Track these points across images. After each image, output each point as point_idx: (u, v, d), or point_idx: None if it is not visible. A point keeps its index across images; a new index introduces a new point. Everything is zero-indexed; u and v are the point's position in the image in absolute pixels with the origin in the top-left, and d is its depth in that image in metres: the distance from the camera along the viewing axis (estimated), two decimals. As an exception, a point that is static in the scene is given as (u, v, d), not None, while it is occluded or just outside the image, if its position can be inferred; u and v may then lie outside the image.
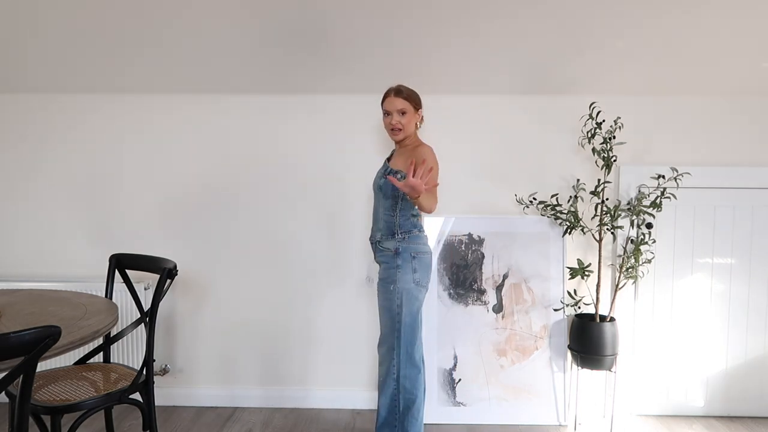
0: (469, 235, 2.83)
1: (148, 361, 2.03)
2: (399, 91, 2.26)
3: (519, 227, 2.83)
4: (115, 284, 2.30)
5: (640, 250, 2.66)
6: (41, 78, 2.81)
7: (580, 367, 2.69)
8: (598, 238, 2.68)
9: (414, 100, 2.27)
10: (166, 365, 2.95)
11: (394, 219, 2.28)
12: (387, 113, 2.27)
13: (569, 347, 2.73)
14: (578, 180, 2.84)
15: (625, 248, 2.69)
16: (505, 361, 2.80)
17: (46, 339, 1.28)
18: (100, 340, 2.23)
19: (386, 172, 2.30)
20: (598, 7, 2.33)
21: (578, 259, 2.75)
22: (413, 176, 1.99)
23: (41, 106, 2.92)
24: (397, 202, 2.28)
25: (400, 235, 2.27)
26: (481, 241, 2.83)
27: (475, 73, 2.72)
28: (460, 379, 2.80)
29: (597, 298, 2.68)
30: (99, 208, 2.95)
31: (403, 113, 2.25)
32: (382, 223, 2.31)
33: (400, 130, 2.26)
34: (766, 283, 2.83)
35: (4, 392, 1.44)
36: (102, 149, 2.93)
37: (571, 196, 2.78)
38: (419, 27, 2.45)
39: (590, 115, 2.62)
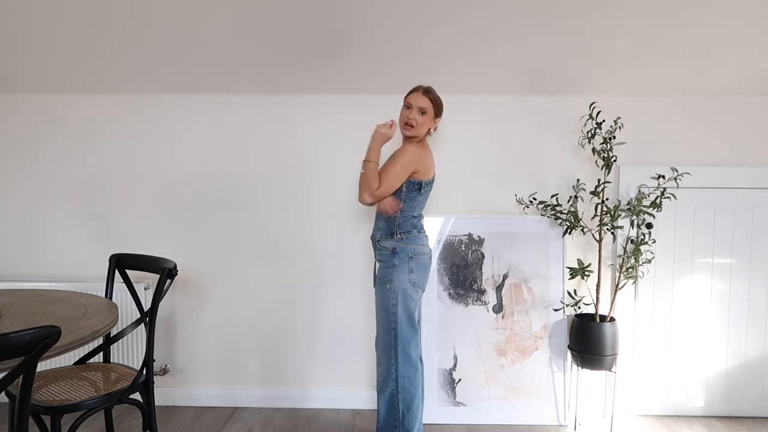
0: (469, 235, 2.83)
1: (148, 361, 2.03)
2: (428, 91, 2.29)
3: (519, 227, 2.83)
4: (115, 284, 2.30)
5: (640, 250, 2.66)
6: (41, 78, 2.81)
7: (580, 367, 2.69)
8: (598, 238, 2.68)
9: (438, 106, 2.31)
10: (166, 365, 2.95)
11: (395, 219, 2.29)
12: (408, 106, 2.28)
13: (569, 347, 2.73)
14: (578, 180, 2.84)
15: (625, 248, 2.69)
16: (505, 361, 2.80)
17: (46, 339, 1.28)
18: (100, 340, 2.23)
19: None
20: (599, 8, 2.33)
21: (578, 259, 2.75)
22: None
23: (41, 106, 2.92)
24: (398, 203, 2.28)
25: (398, 235, 2.28)
26: (481, 241, 2.83)
27: (475, 73, 2.72)
28: (460, 379, 2.80)
29: (597, 298, 2.68)
30: (99, 208, 2.95)
31: (423, 113, 2.27)
32: (382, 222, 2.32)
33: (413, 127, 2.26)
34: (766, 283, 2.83)
35: (4, 392, 1.44)
36: (102, 149, 2.93)
37: (571, 196, 2.78)
38: (419, 27, 2.45)
39: (590, 115, 2.62)
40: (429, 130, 2.32)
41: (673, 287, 2.85)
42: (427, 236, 2.37)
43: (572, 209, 2.71)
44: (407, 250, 2.27)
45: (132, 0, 2.33)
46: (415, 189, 2.28)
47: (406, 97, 2.30)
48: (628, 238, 2.73)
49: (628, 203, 2.74)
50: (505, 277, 2.82)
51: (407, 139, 2.31)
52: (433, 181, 2.35)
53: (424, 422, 2.72)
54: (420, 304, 2.49)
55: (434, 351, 2.80)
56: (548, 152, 2.86)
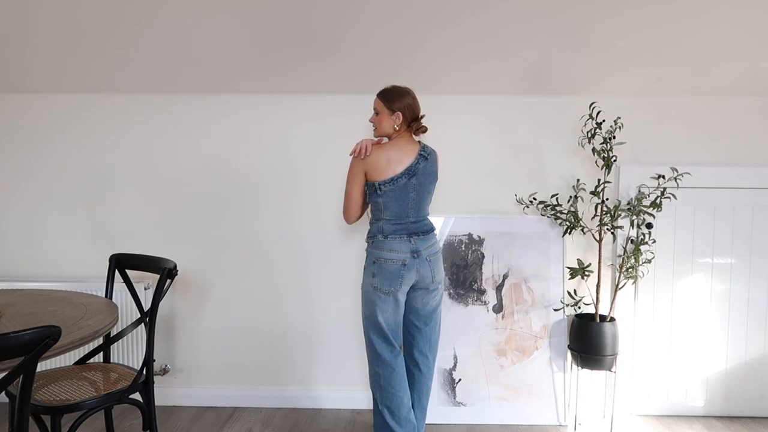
0: (469, 235, 2.83)
1: (148, 361, 2.03)
2: (380, 91, 2.30)
3: (519, 227, 2.83)
4: (115, 284, 2.31)
5: (640, 250, 2.66)
6: (41, 78, 2.81)
7: (580, 367, 2.69)
8: (598, 238, 2.68)
9: (390, 101, 2.25)
10: (166, 365, 2.95)
11: (370, 223, 2.35)
12: None
13: (569, 347, 2.74)
14: (578, 180, 2.84)
15: (625, 248, 2.69)
16: (505, 361, 2.80)
17: (46, 339, 1.28)
18: (100, 340, 2.24)
19: None
20: (598, 7, 2.33)
21: (578, 259, 2.75)
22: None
23: (41, 106, 2.92)
24: (369, 208, 2.34)
25: (367, 240, 2.34)
26: (481, 241, 2.83)
27: (475, 73, 2.72)
28: (460, 379, 2.80)
29: (597, 298, 2.68)
30: (99, 208, 2.95)
31: (376, 113, 2.30)
32: None
33: (375, 128, 2.33)
34: (766, 283, 2.83)
35: (4, 392, 1.44)
36: (102, 149, 2.93)
37: (571, 196, 2.78)
38: (419, 27, 2.45)
39: (590, 115, 2.62)
40: (393, 126, 2.27)
41: (673, 287, 2.85)
42: (407, 242, 2.25)
43: (572, 209, 2.71)
44: (372, 254, 2.29)
45: (130, 1, 2.33)
46: (372, 191, 2.26)
47: None
48: (628, 238, 2.73)
49: (628, 203, 2.74)
50: (505, 277, 2.82)
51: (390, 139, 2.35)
52: (394, 180, 2.22)
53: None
54: (424, 309, 2.39)
55: (434, 351, 2.79)
56: (548, 152, 2.86)
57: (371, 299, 2.27)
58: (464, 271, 2.82)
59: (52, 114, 2.92)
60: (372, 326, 2.29)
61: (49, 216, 2.96)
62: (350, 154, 2.29)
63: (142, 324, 2.10)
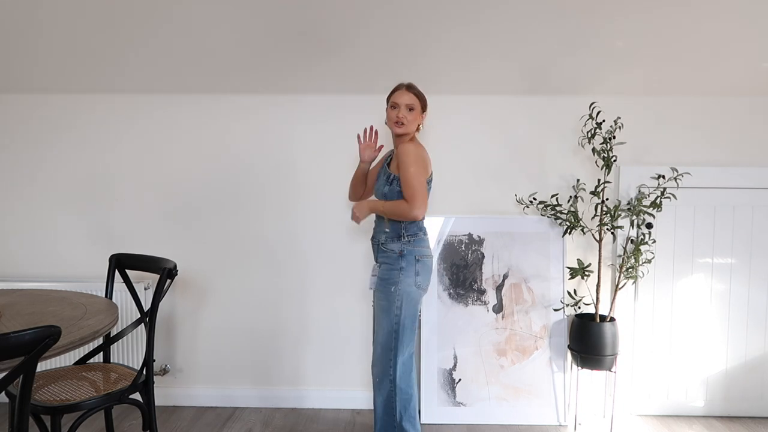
0: (469, 235, 2.83)
1: (148, 361, 2.03)
2: (411, 87, 2.27)
3: (519, 227, 2.83)
4: (115, 284, 2.31)
5: (640, 250, 2.66)
6: (41, 78, 2.81)
7: (580, 367, 2.69)
8: (598, 238, 2.68)
9: (423, 101, 2.29)
10: (166, 365, 2.95)
11: (401, 222, 2.25)
12: (394, 106, 2.24)
13: (569, 347, 2.74)
14: (578, 180, 2.84)
15: (625, 248, 2.69)
16: (505, 361, 2.80)
17: (46, 339, 1.28)
18: (100, 340, 2.24)
19: (387, 178, 2.30)
20: (599, 7, 2.33)
21: (578, 259, 2.75)
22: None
23: (41, 106, 2.92)
24: None
25: (406, 238, 2.25)
26: (481, 241, 2.83)
27: (475, 73, 2.72)
28: (460, 379, 2.80)
29: (597, 298, 2.68)
30: (99, 208, 2.95)
31: (411, 109, 2.23)
32: (387, 225, 2.28)
33: (404, 124, 2.23)
34: (766, 283, 2.83)
35: (4, 392, 1.44)
36: (102, 149, 2.93)
37: (571, 196, 2.78)
38: (419, 27, 2.46)
39: (590, 115, 2.62)
40: (418, 126, 2.29)
41: (673, 287, 2.85)
42: (428, 238, 2.35)
43: (572, 209, 2.71)
44: (414, 252, 2.25)
45: (131, 2, 2.34)
46: None
47: (389, 97, 2.28)
48: (628, 238, 2.73)
49: (628, 203, 2.74)
50: (505, 277, 2.82)
51: (398, 138, 2.28)
52: (432, 178, 2.33)
53: (424, 422, 2.73)
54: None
55: (434, 351, 2.79)
56: (548, 152, 2.86)
57: (414, 298, 2.25)
58: (464, 271, 2.82)
59: (52, 114, 2.92)
60: (409, 327, 2.26)
61: (50, 216, 2.96)
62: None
63: (142, 324, 2.10)
